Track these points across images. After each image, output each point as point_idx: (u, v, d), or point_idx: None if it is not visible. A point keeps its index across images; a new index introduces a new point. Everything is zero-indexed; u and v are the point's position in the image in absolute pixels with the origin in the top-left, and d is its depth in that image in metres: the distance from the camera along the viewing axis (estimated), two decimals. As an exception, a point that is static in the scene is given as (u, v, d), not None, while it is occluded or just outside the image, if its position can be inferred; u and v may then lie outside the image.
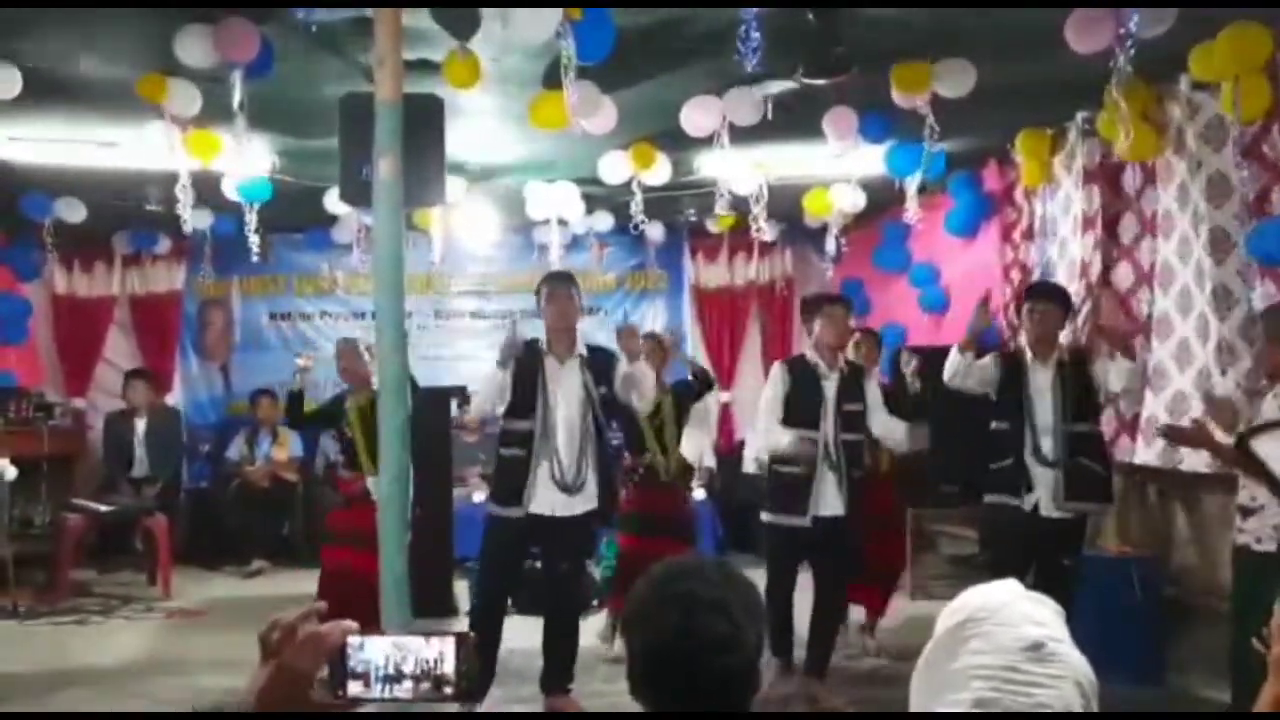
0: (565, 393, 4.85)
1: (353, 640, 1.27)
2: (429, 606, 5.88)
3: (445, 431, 7.16)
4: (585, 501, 4.86)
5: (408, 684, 1.27)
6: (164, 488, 8.28)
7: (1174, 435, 4.66)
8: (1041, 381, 4.85)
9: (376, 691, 1.27)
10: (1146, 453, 5.42)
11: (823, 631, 5.22)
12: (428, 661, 1.28)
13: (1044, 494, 4.80)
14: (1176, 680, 5.16)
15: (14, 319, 8.69)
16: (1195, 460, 5.04)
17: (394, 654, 1.27)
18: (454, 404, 7.62)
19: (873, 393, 5.27)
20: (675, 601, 1.55)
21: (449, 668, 1.28)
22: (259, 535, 8.46)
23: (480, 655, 3.90)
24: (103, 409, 8.90)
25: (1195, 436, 4.48)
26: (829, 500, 5.06)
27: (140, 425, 8.40)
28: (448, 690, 1.28)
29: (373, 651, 1.27)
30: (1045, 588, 1.48)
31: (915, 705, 1.40)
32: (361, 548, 4.84)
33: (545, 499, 4.80)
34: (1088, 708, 1.30)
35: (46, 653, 6.09)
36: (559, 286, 4.94)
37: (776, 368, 5.34)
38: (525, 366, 4.83)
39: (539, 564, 5.29)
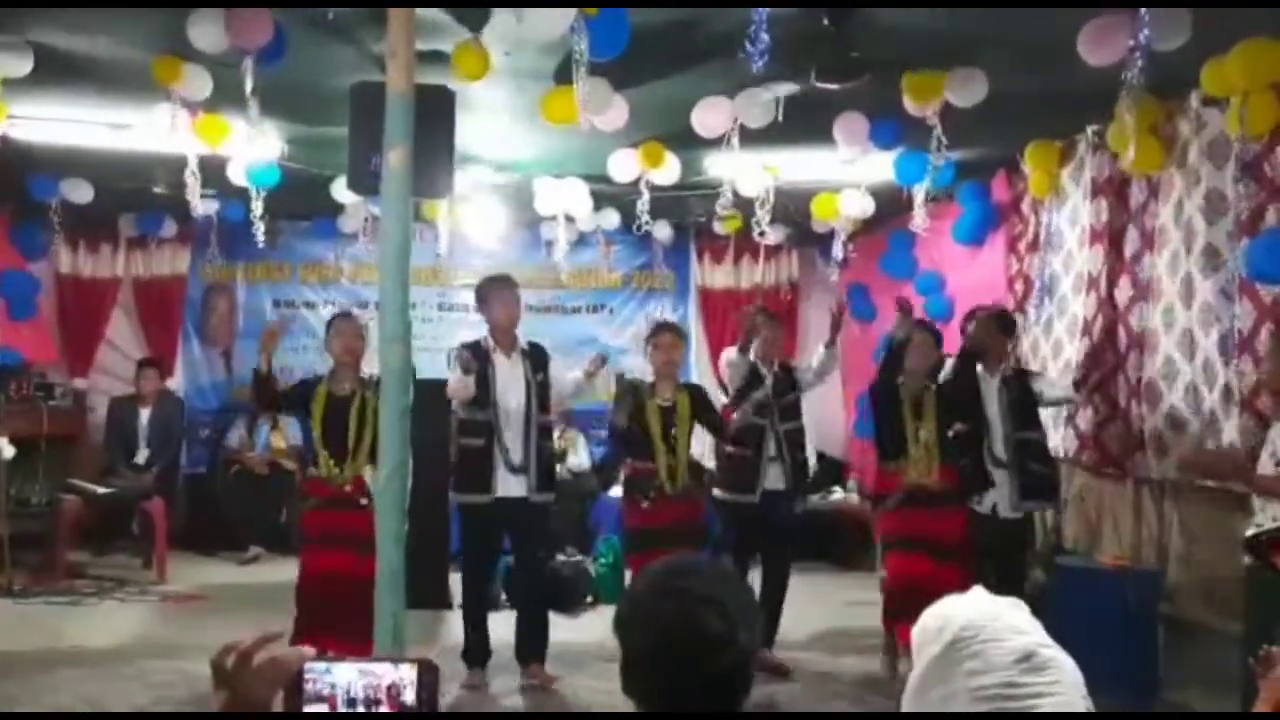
0: (513, 384, 5.38)
1: (317, 665, 1.27)
2: (424, 599, 5.87)
3: (444, 424, 7.13)
4: (530, 482, 5.33)
5: (369, 708, 1.27)
6: (162, 472, 8.29)
7: (1192, 469, 4.60)
8: (989, 391, 5.61)
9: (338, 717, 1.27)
10: (1160, 468, 5.40)
11: (770, 603, 5.62)
12: (391, 686, 1.28)
13: (1000, 495, 5.52)
14: (1171, 696, 5.14)
15: (21, 297, 8.69)
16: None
17: (358, 679, 1.27)
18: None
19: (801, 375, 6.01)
20: (670, 598, 1.54)
21: (410, 695, 1.29)
22: (256, 522, 8.47)
23: (475, 633, 4.96)
24: (104, 390, 8.90)
25: (1213, 469, 4.43)
26: (772, 478, 5.76)
27: (145, 413, 8.41)
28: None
29: (338, 676, 1.27)
30: (1004, 586, 1.51)
31: None
32: (348, 547, 4.77)
33: (506, 483, 5.30)
34: (1089, 708, 1.31)
35: (39, 632, 6.10)
36: (507, 288, 5.49)
37: (738, 358, 5.80)
38: (473, 360, 5.34)
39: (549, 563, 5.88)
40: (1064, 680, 1.31)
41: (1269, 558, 3.90)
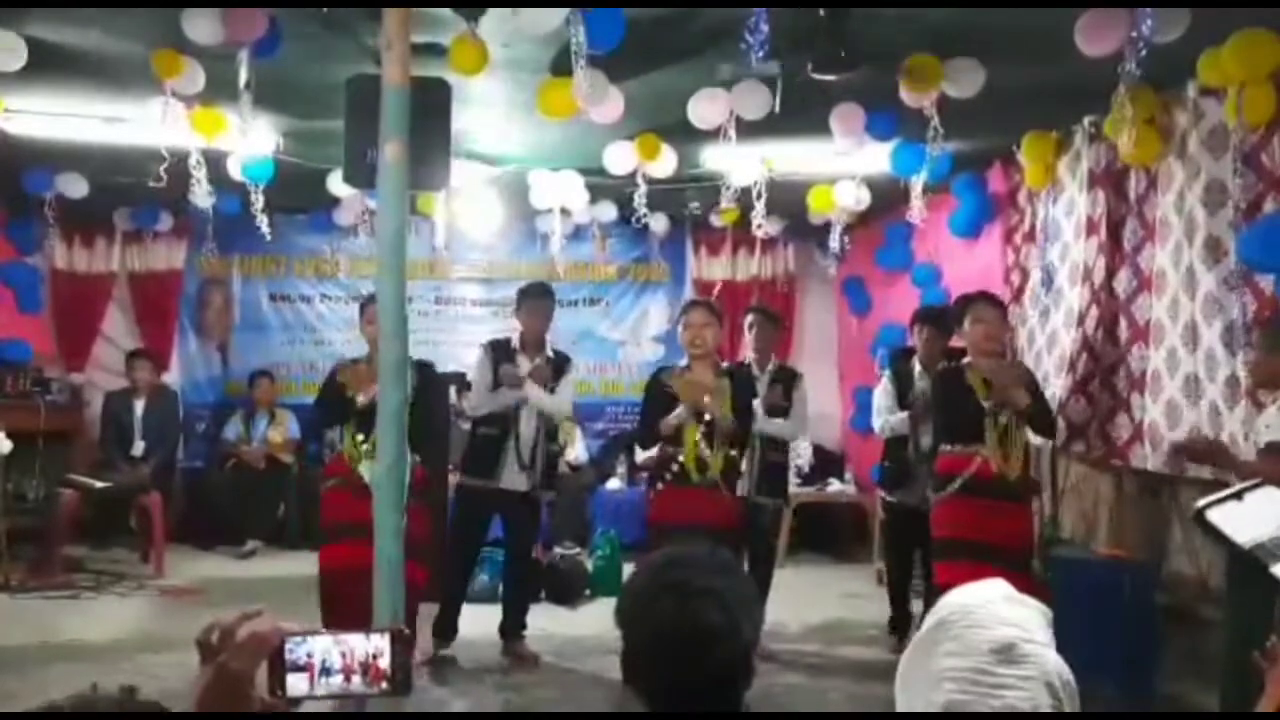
0: (531, 386, 5.67)
1: (294, 638, 1.33)
2: (427, 592, 5.86)
3: (445, 417, 7.13)
4: (534, 479, 5.72)
5: (346, 677, 1.34)
6: (159, 466, 8.27)
7: (1192, 455, 4.60)
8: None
9: (317, 686, 1.33)
10: (1155, 459, 5.42)
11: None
12: (366, 655, 1.35)
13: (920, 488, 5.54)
14: (1167, 687, 5.15)
15: (27, 289, 8.67)
16: (1201, 469, 5.03)
17: (334, 649, 1.34)
18: (453, 390, 7.62)
19: (799, 396, 6.09)
20: (670, 590, 1.54)
21: (385, 662, 1.35)
22: (254, 516, 8.46)
23: (449, 610, 5.24)
24: (100, 385, 8.88)
25: (1213, 454, 4.44)
26: (747, 483, 5.74)
27: (139, 405, 8.39)
28: (384, 685, 1.35)
29: (314, 646, 1.33)
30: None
31: (899, 705, 1.40)
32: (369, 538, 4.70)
33: (510, 476, 5.65)
34: (1059, 708, 1.30)
35: (37, 627, 6.09)
36: (540, 301, 5.80)
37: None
38: (501, 360, 5.70)
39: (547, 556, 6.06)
40: (1038, 678, 1.30)
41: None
